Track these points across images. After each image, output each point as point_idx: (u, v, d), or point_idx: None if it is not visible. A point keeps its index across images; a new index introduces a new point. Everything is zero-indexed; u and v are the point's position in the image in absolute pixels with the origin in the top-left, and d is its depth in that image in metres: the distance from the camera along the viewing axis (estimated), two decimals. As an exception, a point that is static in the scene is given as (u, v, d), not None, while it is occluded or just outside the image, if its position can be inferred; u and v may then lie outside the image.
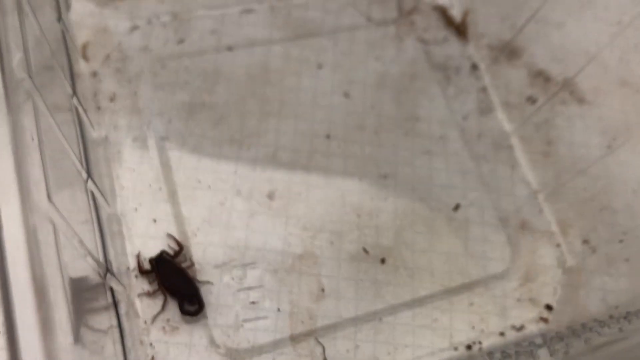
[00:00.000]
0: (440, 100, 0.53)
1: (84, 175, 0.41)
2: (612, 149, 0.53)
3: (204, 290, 0.43)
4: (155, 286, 0.42)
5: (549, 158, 0.52)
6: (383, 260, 0.46)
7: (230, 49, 0.53)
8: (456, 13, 0.58)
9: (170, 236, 0.45)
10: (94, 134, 0.47)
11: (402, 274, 0.46)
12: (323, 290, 0.45)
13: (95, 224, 0.43)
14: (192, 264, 0.44)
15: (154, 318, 0.42)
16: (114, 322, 0.41)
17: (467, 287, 0.46)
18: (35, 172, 0.29)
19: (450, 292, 0.46)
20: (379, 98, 0.53)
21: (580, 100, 0.55)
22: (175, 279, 0.42)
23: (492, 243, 0.48)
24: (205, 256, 0.44)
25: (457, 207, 0.49)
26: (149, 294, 0.42)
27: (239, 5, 0.54)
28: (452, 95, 0.54)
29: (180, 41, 0.52)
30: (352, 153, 0.50)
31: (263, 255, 0.45)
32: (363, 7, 0.57)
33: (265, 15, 0.55)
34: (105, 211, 0.44)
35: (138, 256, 0.44)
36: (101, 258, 0.41)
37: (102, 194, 0.43)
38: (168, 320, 0.42)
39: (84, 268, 0.35)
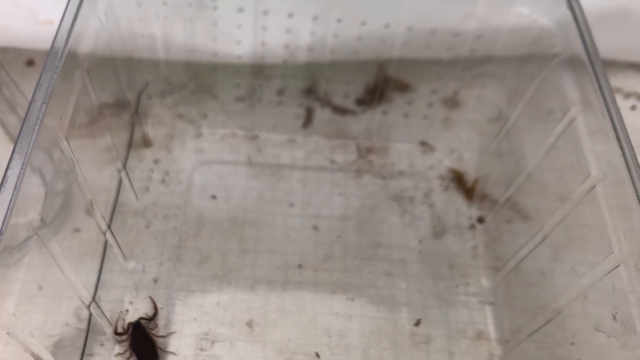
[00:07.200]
0: (398, 227, 0.61)
1: None
2: (556, 260, 0.59)
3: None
4: (124, 346, 0.51)
5: (500, 272, 0.59)
6: (352, 377, 0.51)
7: (213, 197, 0.61)
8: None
9: (150, 299, 0.54)
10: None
11: (370, 388, 0.51)
12: (298, 408, 0.49)
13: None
14: (165, 335, 0.52)
15: None
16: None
17: (432, 397, 0.51)
18: None
19: (416, 403, 0.51)
20: (344, 229, 0.61)
21: (524, 217, 0.63)
22: (143, 344, 0.50)
23: (452, 353, 0.53)
24: (192, 384, 0.50)
25: (418, 323, 0.55)
26: (121, 354, 0.51)
27: (220, 159, 0.64)
28: (408, 222, 0.61)
29: (171, 194, 0.61)
30: (322, 279, 0.57)
31: (243, 380, 0.50)
32: (327, 152, 0.66)
33: (243, 167, 0.64)
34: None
35: (118, 319, 0.52)
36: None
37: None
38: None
39: None
